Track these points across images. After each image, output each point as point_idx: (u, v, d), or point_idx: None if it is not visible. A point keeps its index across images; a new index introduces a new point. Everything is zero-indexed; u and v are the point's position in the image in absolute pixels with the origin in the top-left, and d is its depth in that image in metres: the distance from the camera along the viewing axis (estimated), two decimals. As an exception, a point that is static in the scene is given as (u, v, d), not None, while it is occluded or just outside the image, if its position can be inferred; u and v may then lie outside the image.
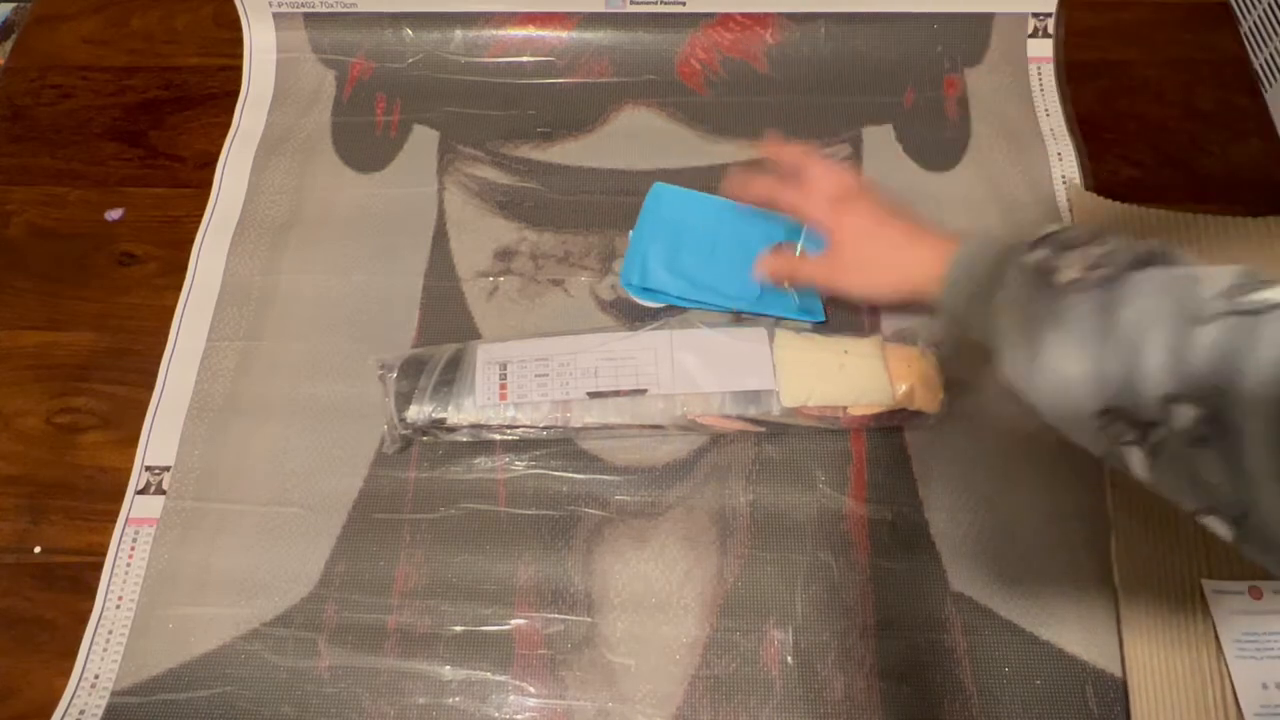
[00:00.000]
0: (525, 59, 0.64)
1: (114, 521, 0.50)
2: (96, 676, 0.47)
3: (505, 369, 0.50)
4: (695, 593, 0.48)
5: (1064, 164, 0.59)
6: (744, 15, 0.64)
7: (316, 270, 0.57)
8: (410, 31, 0.64)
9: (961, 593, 0.47)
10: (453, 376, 0.50)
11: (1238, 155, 0.60)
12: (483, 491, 0.51)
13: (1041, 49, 0.63)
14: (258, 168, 0.61)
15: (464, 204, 0.59)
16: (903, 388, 0.49)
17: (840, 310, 0.55)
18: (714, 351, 0.50)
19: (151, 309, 0.57)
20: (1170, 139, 0.61)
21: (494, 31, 0.64)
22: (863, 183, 0.51)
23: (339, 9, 0.64)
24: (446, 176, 0.60)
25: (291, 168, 0.61)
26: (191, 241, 0.58)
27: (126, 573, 0.49)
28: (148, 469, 0.52)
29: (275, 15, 0.64)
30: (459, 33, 0.64)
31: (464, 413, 0.49)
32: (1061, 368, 0.34)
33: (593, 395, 0.49)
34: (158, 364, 0.55)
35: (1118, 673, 0.45)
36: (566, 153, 0.61)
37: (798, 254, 0.56)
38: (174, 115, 0.64)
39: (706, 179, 0.59)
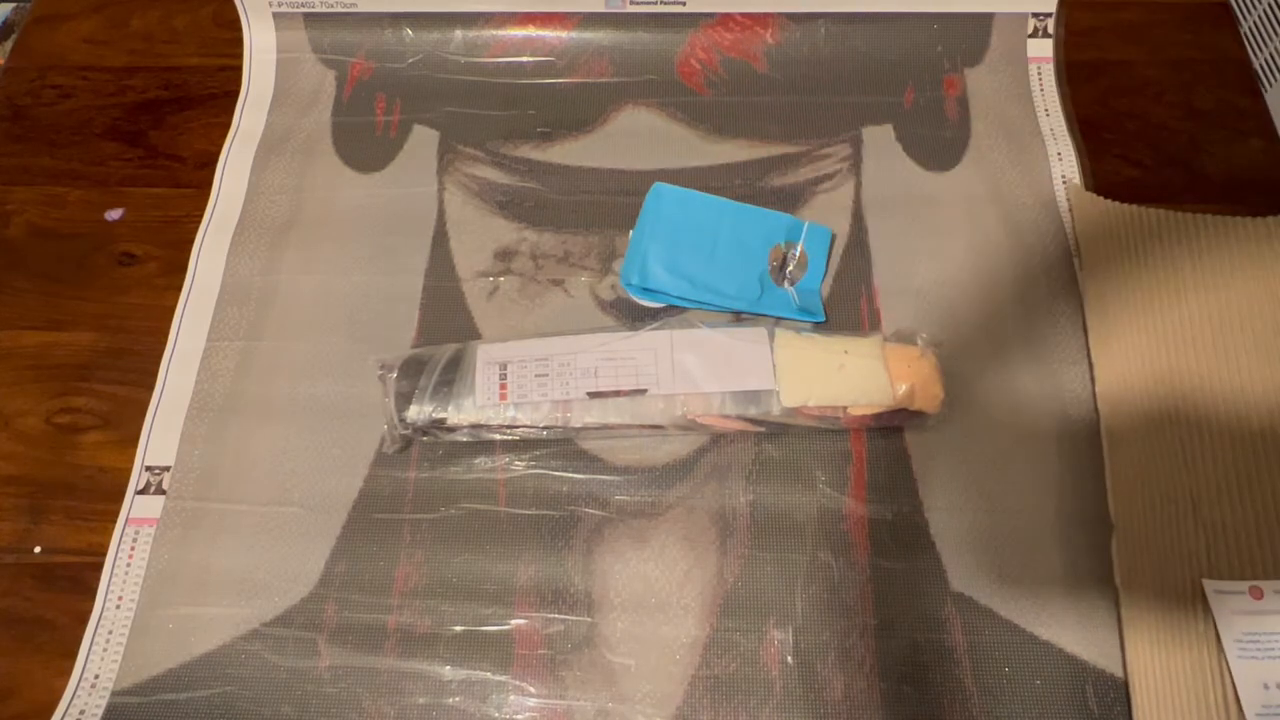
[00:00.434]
0: (525, 59, 0.64)
1: (114, 521, 0.50)
2: (96, 676, 0.47)
3: (505, 369, 0.50)
4: (695, 593, 0.48)
5: (1064, 164, 0.59)
6: (744, 15, 0.64)
7: (316, 270, 0.57)
8: (410, 31, 0.64)
9: (961, 593, 0.47)
10: (453, 376, 0.50)
11: (1238, 155, 0.60)
12: (483, 491, 0.51)
13: (1041, 49, 0.63)
14: (258, 168, 0.61)
15: (464, 204, 0.59)
16: (903, 388, 0.49)
17: (840, 310, 0.55)
18: (714, 351, 0.50)
19: (151, 309, 0.57)
20: (1170, 139, 0.61)
21: (494, 31, 0.64)
22: None
23: (339, 9, 0.64)
24: (446, 176, 0.60)
25: (291, 168, 0.61)
26: (191, 241, 0.58)
27: (126, 573, 0.49)
28: (148, 469, 0.52)
29: (275, 15, 0.64)
30: (459, 33, 0.64)
31: (464, 413, 0.49)
32: None
33: (593, 395, 0.49)
34: (158, 364, 0.55)
35: (1118, 673, 0.45)
36: (566, 153, 0.61)
37: (798, 254, 0.56)
38: (174, 115, 0.64)
39: (706, 179, 0.59)
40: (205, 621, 0.48)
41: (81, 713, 0.46)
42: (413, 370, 0.50)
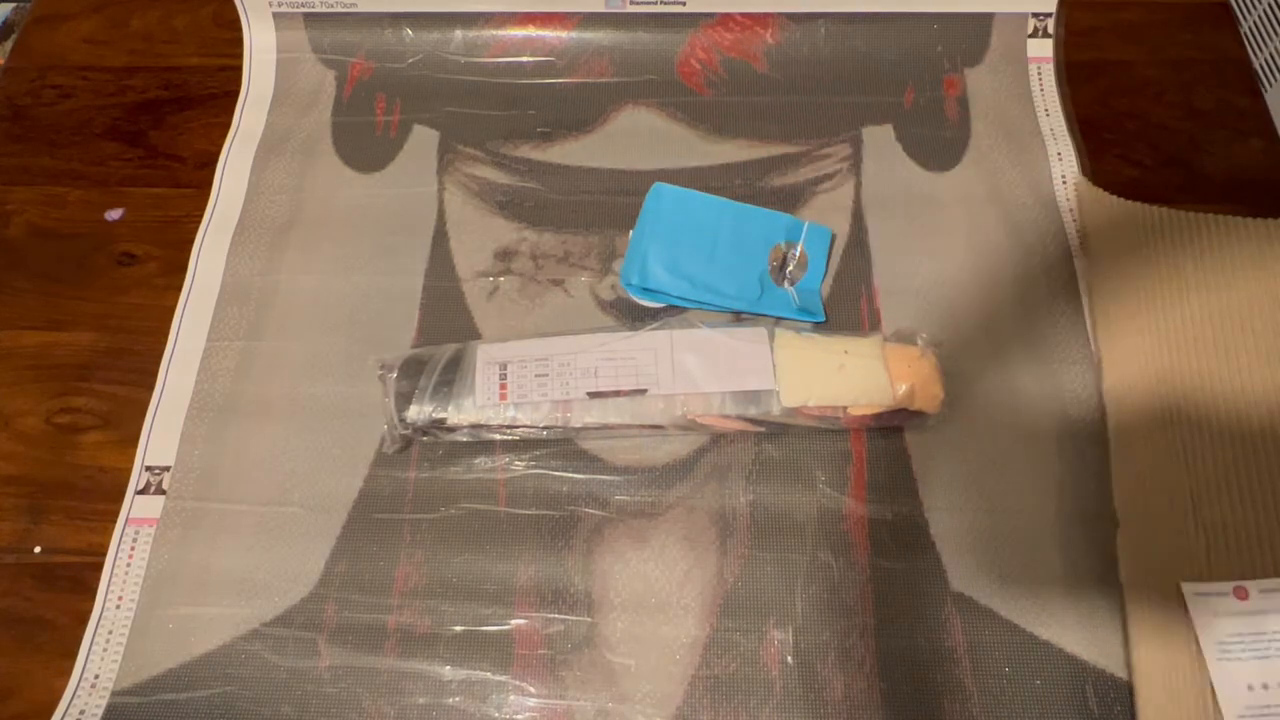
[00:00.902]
0: (525, 59, 0.64)
1: (114, 521, 0.50)
2: (97, 676, 0.47)
3: (505, 369, 0.50)
4: (695, 593, 0.48)
5: (1064, 164, 0.59)
6: (744, 15, 0.64)
7: (316, 270, 0.57)
8: (410, 31, 0.64)
9: (961, 593, 0.47)
10: (453, 376, 0.50)
11: (1238, 155, 0.60)
12: (483, 491, 0.51)
13: (1041, 49, 0.63)
14: (258, 168, 0.61)
15: (464, 204, 0.59)
16: (903, 388, 0.49)
17: (840, 310, 0.55)
18: (714, 351, 0.50)
19: (151, 309, 0.57)
20: (1170, 139, 0.61)
21: (494, 31, 0.64)
22: None
23: (339, 9, 0.64)
24: (446, 176, 0.60)
25: (291, 168, 0.61)
26: (191, 241, 0.58)
27: (126, 573, 0.49)
28: (148, 469, 0.52)
29: (275, 15, 0.64)
30: (459, 33, 0.64)
31: (464, 413, 0.49)
32: None
33: (593, 395, 0.49)
34: (158, 364, 0.55)
35: (1118, 673, 0.45)
36: (566, 153, 0.61)
37: (798, 254, 0.56)
38: (174, 115, 0.64)
39: (706, 179, 0.59)
40: (205, 621, 0.48)
41: (82, 713, 0.46)
42: (413, 370, 0.50)
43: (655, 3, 0.63)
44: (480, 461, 0.51)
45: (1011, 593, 0.47)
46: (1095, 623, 0.46)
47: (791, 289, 0.55)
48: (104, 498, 0.51)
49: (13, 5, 0.97)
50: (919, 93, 0.62)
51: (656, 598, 0.48)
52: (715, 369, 0.50)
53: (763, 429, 0.51)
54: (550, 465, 0.51)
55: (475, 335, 0.55)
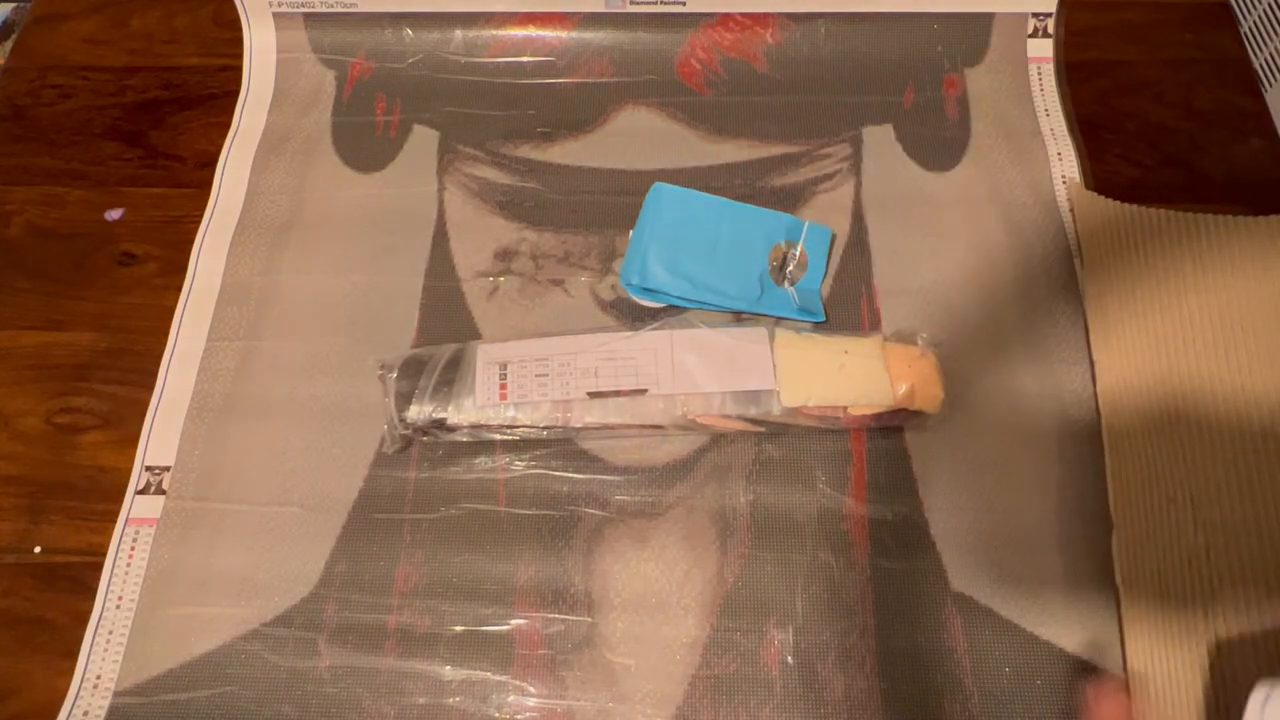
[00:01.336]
0: (525, 59, 0.64)
1: (114, 521, 0.50)
2: (98, 677, 0.47)
3: (505, 369, 0.50)
4: (695, 593, 0.48)
5: (1064, 164, 0.59)
6: (744, 15, 0.64)
7: (316, 270, 0.57)
8: (410, 31, 0.64)
9: (961, 593, 0.47)
10: (453, 376, 0.50)
11: (1238, 155, 0.60)
12: (483, 491, 0.51)
13: (1041, 49, 0.63)
14: (258, 168, 0.61)
15: (464, 204, 0.59)
16: (903, 388, 0.49)
17: (840, 310, 0.55)
18: (714, 351, 0.50)
19: (151, 309, 0.57)
20: (1170, 139, 0.61)
21: (494, 31, 0.64)
22: None
23: (339, 9, 0.64)
24: (446, 176, 0.60)
25: (291, 168, 0.61)
26: (191, 241, 0.58)
27: (126, 573, 0.49)
28: (148, 469, 0.52)
29: (275, 15, 0.64)
30: (459, 33, 0.64)
31: (464, 413, 0.49)
32: None
33: (593, 395, 0.49)
34: (158, 364, 0.55)
35: (1118, 672, 0.45)
36: (566, 153, 0.61)
37: (798, 254, 0.56)
38: (174, 115, 0.64)
39: (706, 179, 0.59)
40: (205, 621, 0.48)
41: (85, 714, 0.46)
42: (413, 370, 0.50)
43: (655, 3, 0.63)
44: (480, 461, 0.51)
45: (1011, 593, 0.47)
46: (1095, 623, 0.46)
47: (791, 289, 0.55)
48: (104, 498, 0.51)
49: (13, 5, 0.97)
50: (919, 93, 0.62)
51: (657, 598, 0.48)
52: (715, 369, 0.50)
53: (763, 429, 0.51)
54: (550, 465, 0.51)
55: (475, 335, 0.55)
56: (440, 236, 0.58)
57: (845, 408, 0.49)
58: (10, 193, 0.62)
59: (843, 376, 0.49)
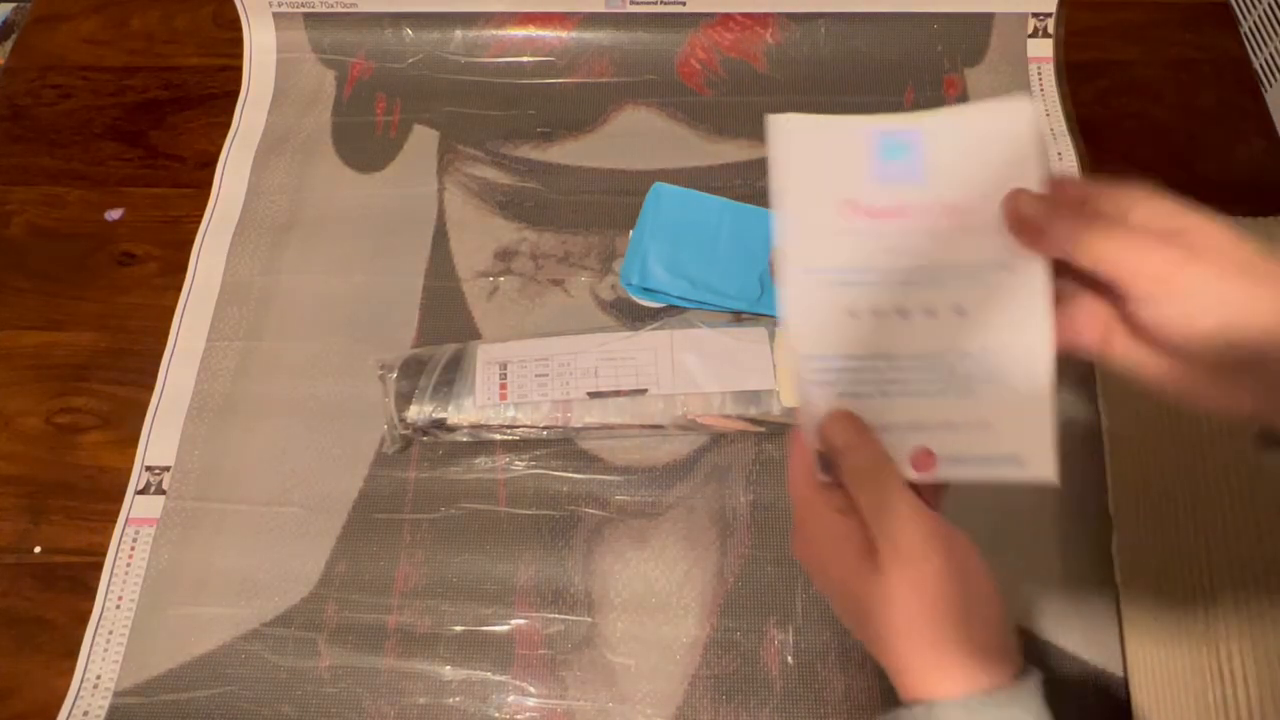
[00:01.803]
0: (525, 59, 0.64)
1: (114, 521, 0.50)
2: (98, 677, 0.47)
3: (505, 369, 0.50)
4: (695, 593, 0.48)
5: (1064, 164, 0.59)
6: (744, 15, 0.64)
7: (316, 270, 0.57)
8: (410, 31, 0.64)
9: (961, 593, 0.47)
10: (453, 376, 0.50)
11: (1238, 155, 0.60)
12: (483, 491, 0.51)
13: (1041, 49, 0.63)
14: (258, 168, 0.61)
15: (464, 204, 0.59)
16: (903, 388, 0.49)
17: (840, 310, 0.55)
18: (714, 351, 0.50)
19: (151, 309, 0.57)
20: (1170, 139, 0.61)
21: (494, 31, 0.64)
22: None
23: (339, 9, 0.64)
24: (446, 176, 0.60)
25: (291, 168, 0.61)
26: (191, 241, 0.58)
27: (126, 573, 0.49)
28: (148, 469, 0.52)
29: (275, 15, 0.64)
30: (459, 33, 0.64)
31: (464, 413, 0.49)
32: None
33: (593, 395, 0.49)
34: (158, 364, 0.55)
35: (1118, 672, 0.45)
36: (566, 153, 0.61)
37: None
38: (174, 115, 0.64)
39: (706, 179, 0.59)
40: (205, 621, 0.48)
41: (85, 713, 0.46)
42: (413, 370, 0.50)
43: (655, 3, 0.63)
44: (480, 461, 0.51)
45: (1011, 593, 0.47)
46: (1095, 623, 0.46)
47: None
48: (104, 498, 0.51)
49: (13, 5, 0.97)
50: (919, 92, 0.62)
51: (657, 598, 0.48)
52: (715, 369, 0.50)
53: (763, 429, 0.51)
54: (550, 465, 0.51)
55: (475, 335, 0.55)
56: (440, 236, 0.58)
57: (845, 408, 0.49)
58: (10, 193, 0.62)
59: (843, 376, 0.49)
